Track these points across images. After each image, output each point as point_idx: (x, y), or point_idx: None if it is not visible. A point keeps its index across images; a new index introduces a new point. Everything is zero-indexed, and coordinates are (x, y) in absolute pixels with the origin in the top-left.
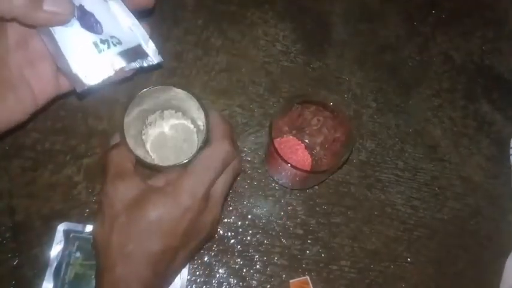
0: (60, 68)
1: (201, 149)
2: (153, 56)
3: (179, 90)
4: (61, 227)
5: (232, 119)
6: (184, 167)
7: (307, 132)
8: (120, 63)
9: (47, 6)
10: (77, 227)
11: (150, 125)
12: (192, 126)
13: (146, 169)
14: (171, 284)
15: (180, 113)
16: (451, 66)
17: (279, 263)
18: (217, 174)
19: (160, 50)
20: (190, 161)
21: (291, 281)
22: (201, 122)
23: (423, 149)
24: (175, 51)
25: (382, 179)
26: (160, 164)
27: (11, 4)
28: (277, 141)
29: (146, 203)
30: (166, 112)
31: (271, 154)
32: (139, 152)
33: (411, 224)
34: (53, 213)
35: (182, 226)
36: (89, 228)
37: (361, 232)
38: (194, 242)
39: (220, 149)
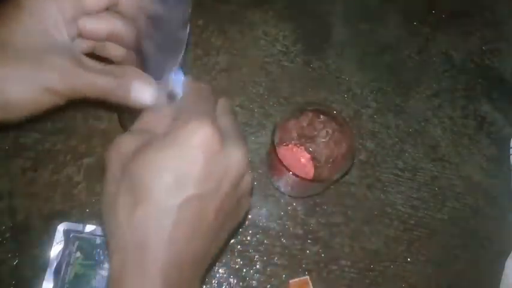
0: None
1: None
2: None
3: None
4: (61, 227)
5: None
6: None
7: (315, 143)
8: None
9: (134, 94)
10: (77, 227)
11: None
12: None
13: None
14: (210, 261)
15: None
16: (450, 66)
17: (279, 263)
18: (206, 103)
19: None
20: None
21: (290, 281)
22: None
23: (423, 149)
24: None
25: (382, 179)
26: None
27: (97, 90)
28: (281, 148)
29: (148, 150)
30: None
31: (272, 160)
32: None
33: (411, 223)
34: (53, 213)
35: (196, 167)
36: (89, 228)
37: (361, 232)
38: (222, 189)
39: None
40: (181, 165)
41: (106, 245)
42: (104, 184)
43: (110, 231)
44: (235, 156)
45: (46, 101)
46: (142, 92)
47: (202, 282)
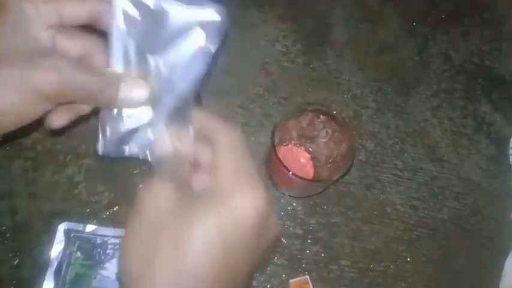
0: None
1: None
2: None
3: None
4: (62, 227)
5: (232, 120)
6: None
7: (315, 143)
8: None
9: (122, 93)
10: (78, 226)
11: None
12: None
13: None
14: None
15: None
16: (450, 66)
17: (279, 262)
18: (248, 160)
19: None
20: None
21: (290, 280)
22: None
23: (422, 149)
24: None
25: (381, 179)
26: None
27: (86, 91)
28: (281, 148)
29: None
30: None
31: (272, 160)
32: None
33: (411, 223)
34: (54, 213)
35: (246, 237)
36: (89, 228)
37: (361, 232)
38: (259, 255)
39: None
40: (230, 231)
41: (122, 281)
42: (132, 224)
43: (137, 272)
44: (275, 225)
45: (37, 107)
46: (131, 91)
47: None
